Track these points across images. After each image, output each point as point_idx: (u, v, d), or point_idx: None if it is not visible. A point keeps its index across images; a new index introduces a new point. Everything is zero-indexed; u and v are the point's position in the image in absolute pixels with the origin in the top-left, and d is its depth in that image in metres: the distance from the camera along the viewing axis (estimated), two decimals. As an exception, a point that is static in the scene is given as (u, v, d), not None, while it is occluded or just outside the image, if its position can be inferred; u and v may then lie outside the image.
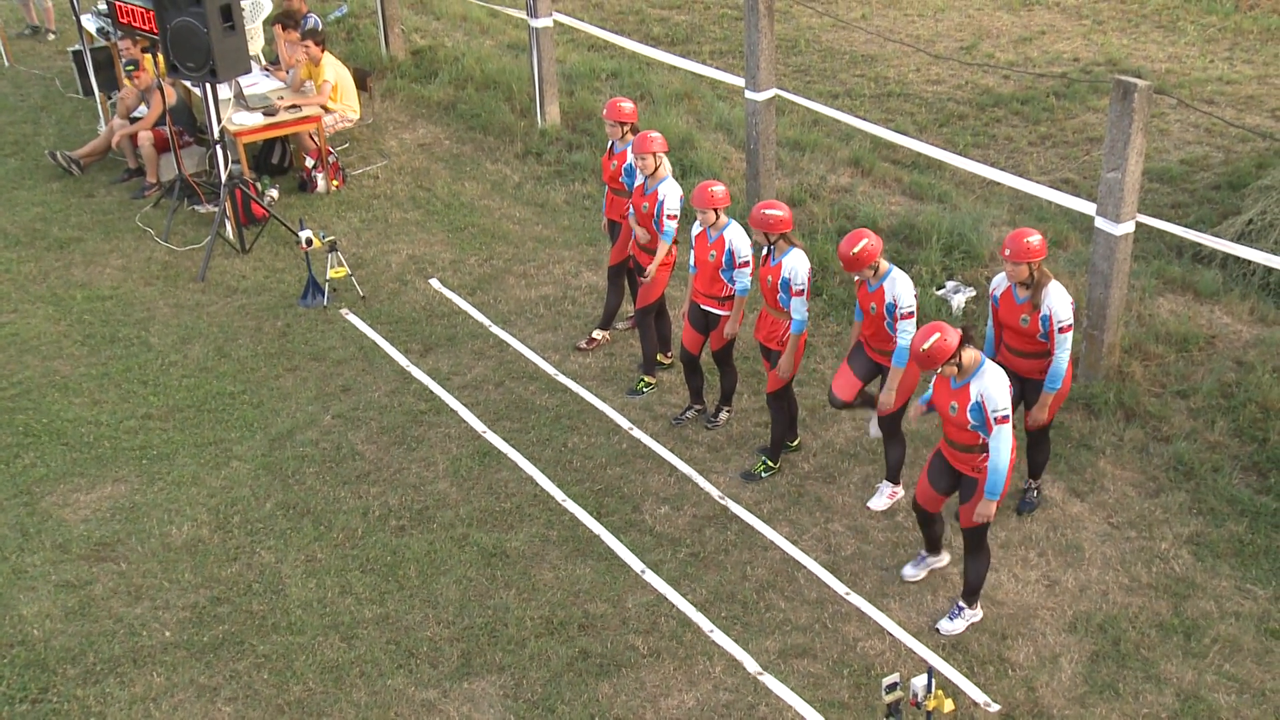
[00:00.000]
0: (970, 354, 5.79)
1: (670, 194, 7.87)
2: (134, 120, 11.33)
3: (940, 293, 8.88)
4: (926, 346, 5.75)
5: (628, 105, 8.35)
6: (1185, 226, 8.18)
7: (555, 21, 11.76)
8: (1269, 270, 8.58)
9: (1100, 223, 7.43)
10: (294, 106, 10.97)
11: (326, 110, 11.24)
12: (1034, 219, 9.81)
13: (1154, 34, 14.20)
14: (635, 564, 6.76)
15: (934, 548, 6.56)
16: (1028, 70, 13.14)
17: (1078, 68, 13.22)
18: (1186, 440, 7.35)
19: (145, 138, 11.06)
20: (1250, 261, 8.28)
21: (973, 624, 6.24)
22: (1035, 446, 6.92)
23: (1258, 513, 6.83)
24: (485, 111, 12.44)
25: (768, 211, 6.89)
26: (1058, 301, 6.39)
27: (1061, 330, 6.42)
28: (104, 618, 6.51)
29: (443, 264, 9.93)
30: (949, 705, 5.18)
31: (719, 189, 7.25)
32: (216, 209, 10.35)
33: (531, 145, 11.80)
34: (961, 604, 6.26)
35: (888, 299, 6.62)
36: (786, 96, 9.82)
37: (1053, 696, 5.83)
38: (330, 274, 9.34)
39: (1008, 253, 6.39)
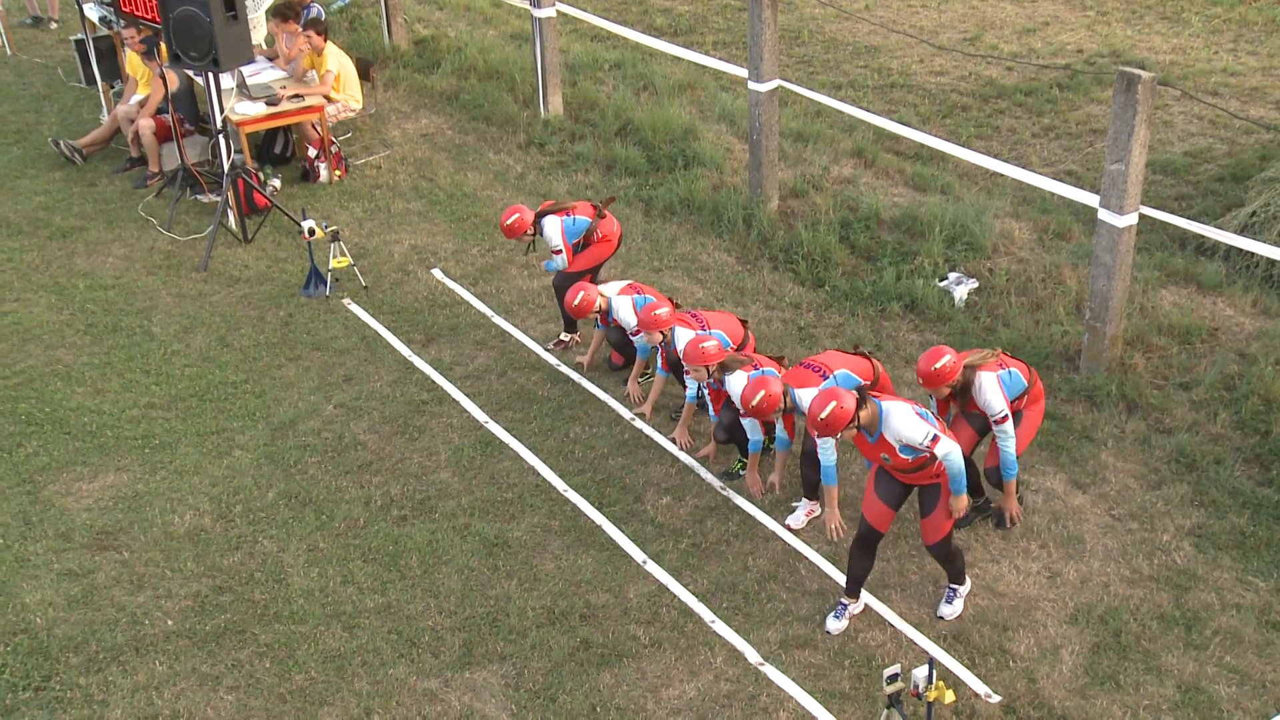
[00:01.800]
0: (867, 411, 5.76)
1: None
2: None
3: (942, 284, 8.88)
4: (824, 415, 5.72)
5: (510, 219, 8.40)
6: (1188, 219, 8.17)
7: (558, 12, 11.75)
8: (1272, 262, 8.57)
9: (1103, 214, 7.42)
10: (296, 96, 10.96)
11: (329, 100, 11.23)
12: (1037, 210, 9.80)
13: (1158, 25, 14.17)
14: (637, 554, 6.77)
15: (855, 591, 6.22)
16: (1031, 62, 13.12)
17: (1081, 59, 13.19)
18: (1188, 432, 7.35)
19: (145, 126, 11.05)
20: (1253, 254, 8.28)
21: (965, 597, 6.31)
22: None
23: (1259, 505, 6.83)
24: (488, 102, 12.42)
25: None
26: (990, 398, 6.27)
27: (997, 422, 6.32)
28: (106, 606, 6.52)
29: (445, 254, 9.93)
30: (950, 696, 5.19)
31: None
32: (219, 198, 10.35)
33: (534, 136, 11.79)
34: (952, 586, 6.26)
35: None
36: (789, 87, 9.81)
37: (1053, 688, 5.84)
38: (333, 264, 9.34)
39: (920, 381, 6.31)
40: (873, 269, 9.21)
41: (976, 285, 8.85)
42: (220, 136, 10.05)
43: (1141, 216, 7.47)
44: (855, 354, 6.86)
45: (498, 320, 8.99)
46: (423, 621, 6.38)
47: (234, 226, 10.24)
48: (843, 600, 6.26)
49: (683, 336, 7.33)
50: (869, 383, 6.73)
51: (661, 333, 7.44)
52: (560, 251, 8.46)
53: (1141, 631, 6.13)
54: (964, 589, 6.29)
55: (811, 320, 8.79)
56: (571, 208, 8.52)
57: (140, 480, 7.47)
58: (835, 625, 6.21)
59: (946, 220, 9.37)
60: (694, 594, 6.49)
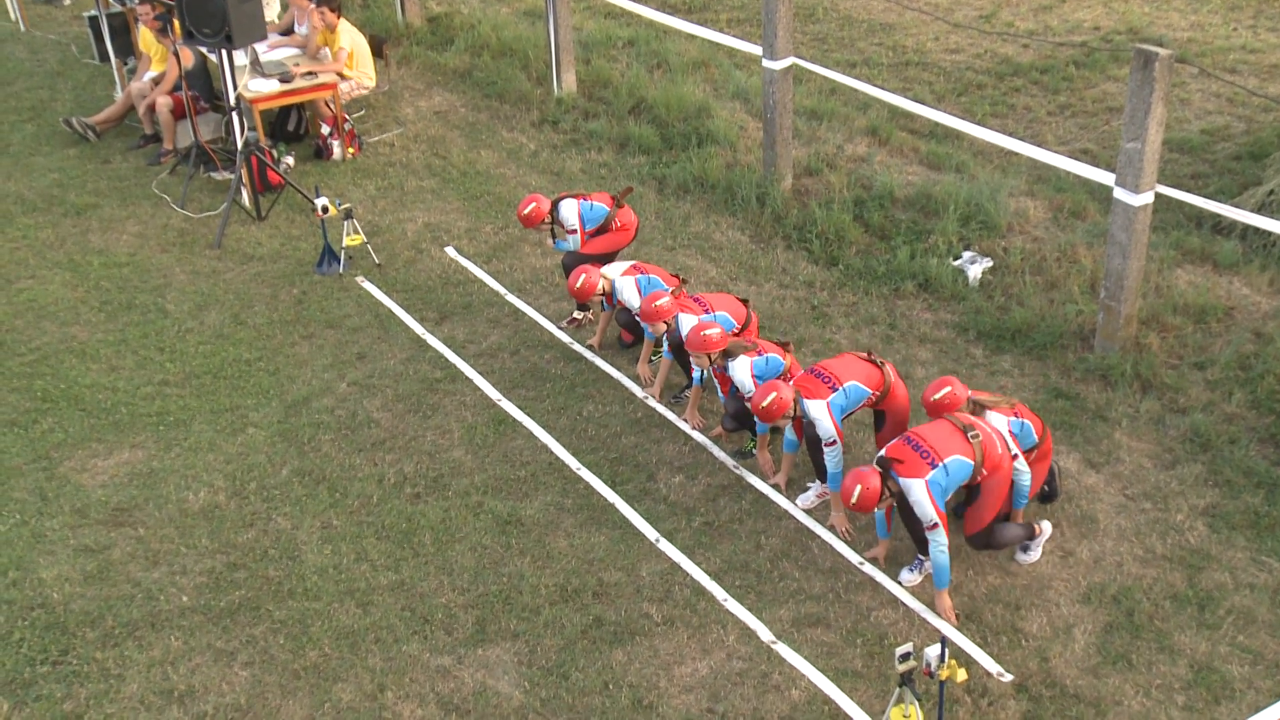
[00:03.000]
0: (891, 485, 5.95)
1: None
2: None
3: (957, 263, 8.84)
4: (855, 500, 5.86)
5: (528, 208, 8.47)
6: (1205, 197, 8.12)
7: (571, -12, 11.69)
8: (1289, 242, 8.52)
9: (1119, 193, 7.38)
10: (310, 73, 10.95)
11: (342, 77, 11.21)
12: (1052, 189, 9.75)
13: (1176, 2, 14.04)
14: (649, 533, 6.78)
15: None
16: (1047, 39, 13.03)
17: (1098, 36, 13.09)
18: (1203, 412, 7.32)
19: (163, 103, 11.05)
20: (1270, 233, 8.22)
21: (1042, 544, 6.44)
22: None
23: (1274, 484, 6.81)
24: (501, 79, 12.39)
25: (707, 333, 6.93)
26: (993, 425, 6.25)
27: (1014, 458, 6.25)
28: (122, 582, 6.56)
29: (458, 232, 9.93)
30: (962, 675, 5.20)
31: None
32: (233, 176, 10.35)
33: (548, 113, 11.76)
34: (1026, 542, 6.42)
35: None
36: (804, 65, 9.76)
37: (1066, 667, 5.84)
38: (346, 241, 9.35)
39: (926, 409, 6.42)
40: (887, 248, 9.18)
41: (991, 264, 8.82)
42: (233, 114, 10.05)
43: (1157, 195, 7.42)
44: (868, 360, 6.78)
45: (511, 298, 8.99)
46: (436, 599, 6.40)
47: (247, 204, 10.25)
48: (920, 555, 6.42)
49: (686, 323, 7.32)
50: (879, 393, 6.70)
51: (665, 321, 7.43)
52: (574, 232, 8.46)
53: (1154, 611, 6.12)
54: (1040, 539, 6.42)
55: (825, 299, 8.77)
56: (589, 195, 8.55)
57: (155, 457, 7.50)
58: (909, 577, 6.38)
59: (961, 199, 9.32)
60: (706, 572, 6.50)
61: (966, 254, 8.94)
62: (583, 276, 7.84)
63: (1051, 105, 11.64)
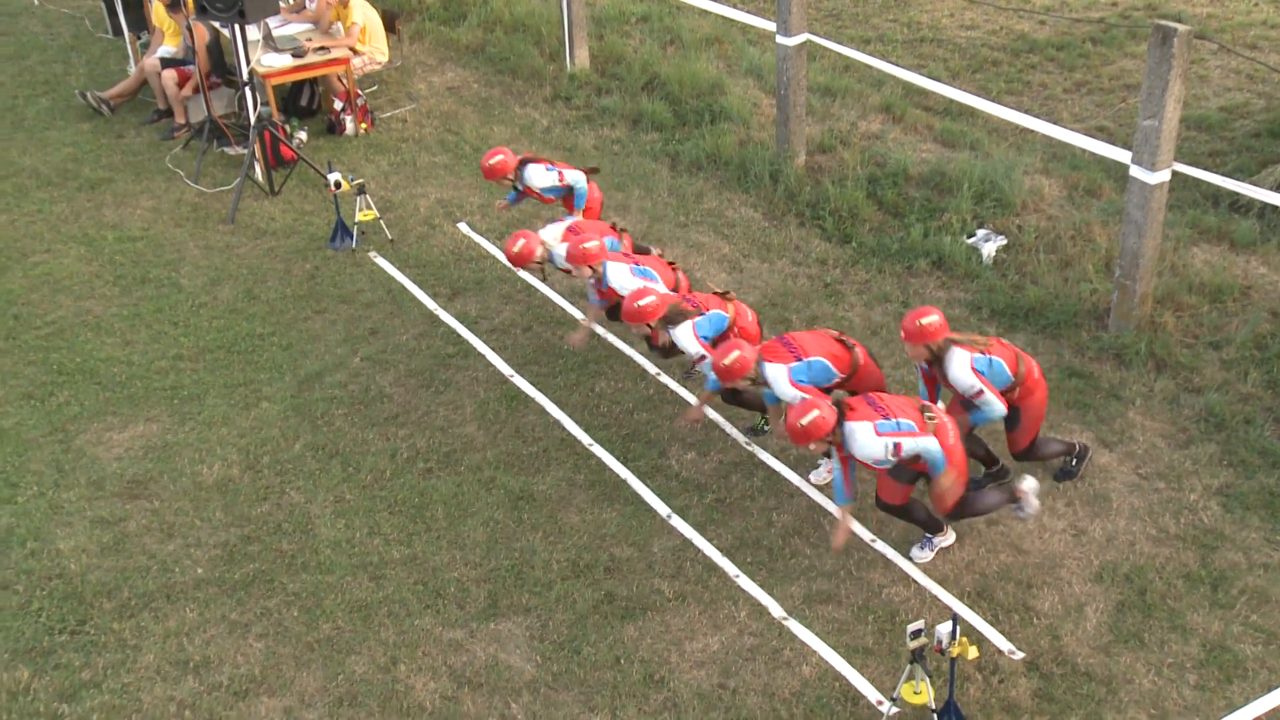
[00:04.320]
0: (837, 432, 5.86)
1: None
2: (174, 62, 11.28)
3: (970, 241, 8.81)
4: (804, 422, 5.74)
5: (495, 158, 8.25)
6: (1223, 175, 8.07)
7: (585, -37, 11.64)
8: (1307, 221, 8.46)
9: (1135, 171, 7.33)
10: (322, 48, 10.93)
11: (355, 53, 11.19)
12: (1067, 167, 9.70)
13: (1195, -21, 13.93)
14: (661, 509, 6.79)
15: (933, 528, 6.40)
16: (1064, 15, 12.94)
17: (1116, 13, 13.00)
18: (1218, 392, 7.29)
19: (170, 78, 11.05)
20: (1288, 212, 8.17)
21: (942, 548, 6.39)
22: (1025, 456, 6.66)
23: (1288, 465, 6.80)
24: (514, 55, 12.35)
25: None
26: (957, 374, 6.15)
27: (974, 397, 6.19)
28: (138, 554, 6.60)
29: (471, 208, 9.92)
30: (973, 652, 5.21)
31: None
32: (245, 151, 10.35)
33: (560, 89, 11.73)
34: (927, 536, 6.41)
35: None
36: (818, 41, 9.71)
37: (1077, 645, 5.84)
38: (359, 217, 9.35)
39: (902, 334, 6.21)
40: (900, 225, 9.15)
41: (1005, 242, 8.78)
42: (246, 89, 10.04)
43: (1174, 173, 7.38)
44: (838, 341, 6.57)
45: (523, 274, 8.99)
46: (448, 573, 6.43)
47: (260, 179, 10.25)
48: (927, 534, 6.41)
49: (615, 272, 7.25)
50: (845, 375, 6.51)
51: (591, 268, 7.32)
52: (563, 177, 8.29)
53: (1167, 590, 6.12)
54: (939, 537, 6.38)
55: (838, 276, 8.75)
56: (558, 164, 8.41)
57: (169, 430, 7.53)
58: (920, 555, 6.38)
59: (975, 177, 9.28)
60: (718, 548, 6.51)
61: (980, 232, 8.91)
62: (521, 241, 7.57)
63: (1068, 82, 11.56)
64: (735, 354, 6.29)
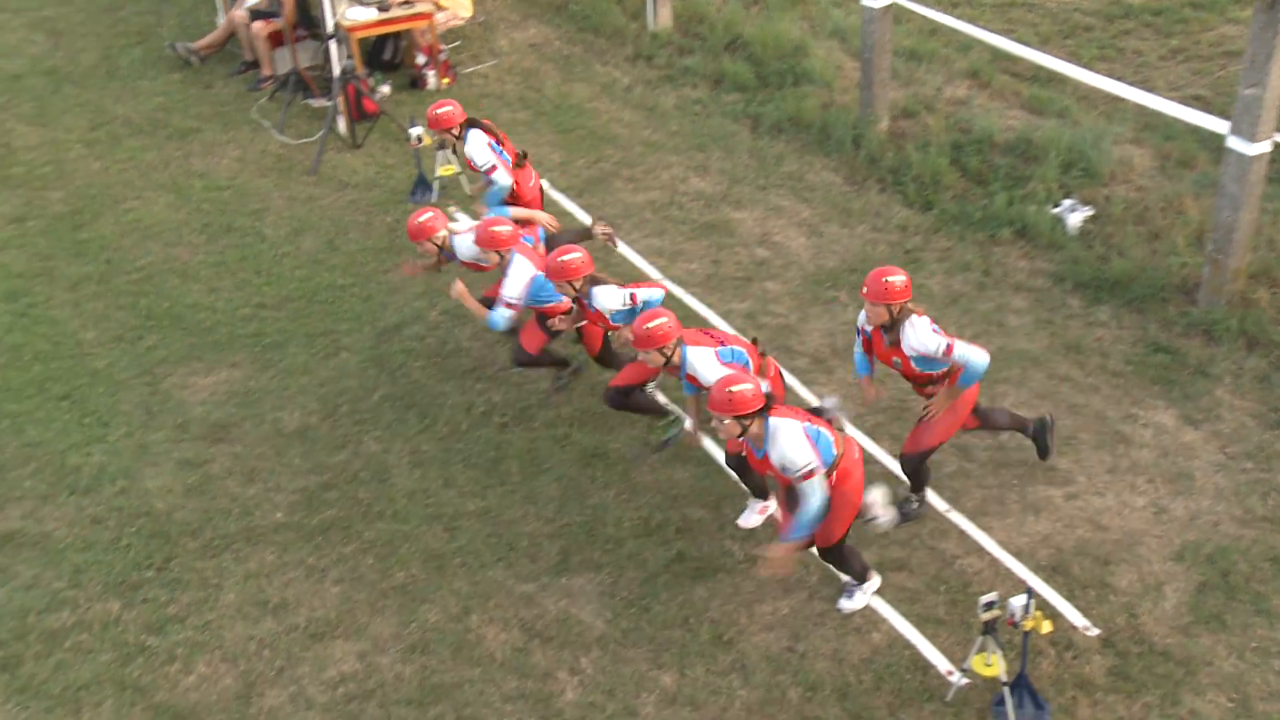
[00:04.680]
0: (756, 426, 5.32)
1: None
2: (262, 14, 11.39)
3: (1056, 211, 8.65)
4: (732, 390, 5.29)
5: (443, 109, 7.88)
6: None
7: (671, -80, 11.53)
8: None
9: (1233, 142, 7.14)
10: (406, 3, 10.96)
11: (438, 7, 11.21)
12: (1160, 137, 9.46)
13: (1300, -54, 13.48)
14: (733, 472, 6.79)
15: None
16: (1161, -19, 12.58)
17: (1215, -20, 12.61)
18: (1310, 372, 7.12)
19: (259, 29, 11.16)
20: (1391, 189, 7.91)
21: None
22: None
23: (1381, 449, 6.62)
24: (596, 13, 12.29)
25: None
26: (919, 339, 5.76)
27: (945, 353, 5.76)
28: (221, 496, 6.75)
29: (550, 165, 9.92)
30: (1047, 626, 5.16)
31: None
32: (329, 104, 10.44)
33: (642, 49, 11.65)
34: (852, 584, 5.96)
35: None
36: (904, 4, 9.55)
37: (1155, 624, 5.76)
38: (439, 171, 9.40)
39: (865, 290, 5.81)
40: (983, 193, 9.00)
41: (1092, 213, 8.61)
42: (331, 42, 10.11)
43: (1275, 145, 7.17)
44: (753, 346, 6.18)
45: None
46: (521, 527, 6.49)
47: (344, 132, 10.34)
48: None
49: (520, 266, 6.87)
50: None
51: (499, 253, 6.94)
52: (495, 168, 7.80)
53: (1252, 573, 6.00)
54: (867, 586, 5.95)
55: (918, 244, 8.64)
56: (502, 136, 7.96)
57: (252, 377, 7.67)
58: (847, 604, 5.94)
59: (1063, 145, 9.09)
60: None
61: (1066, 202, 8.74)
62: (427, 215, 7.24)
63: (1163, 49, 11.25)
64: (661, 321, 5.83)
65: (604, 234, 7.63)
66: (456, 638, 5.88)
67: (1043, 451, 6.62)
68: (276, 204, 9.55)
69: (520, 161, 8.02)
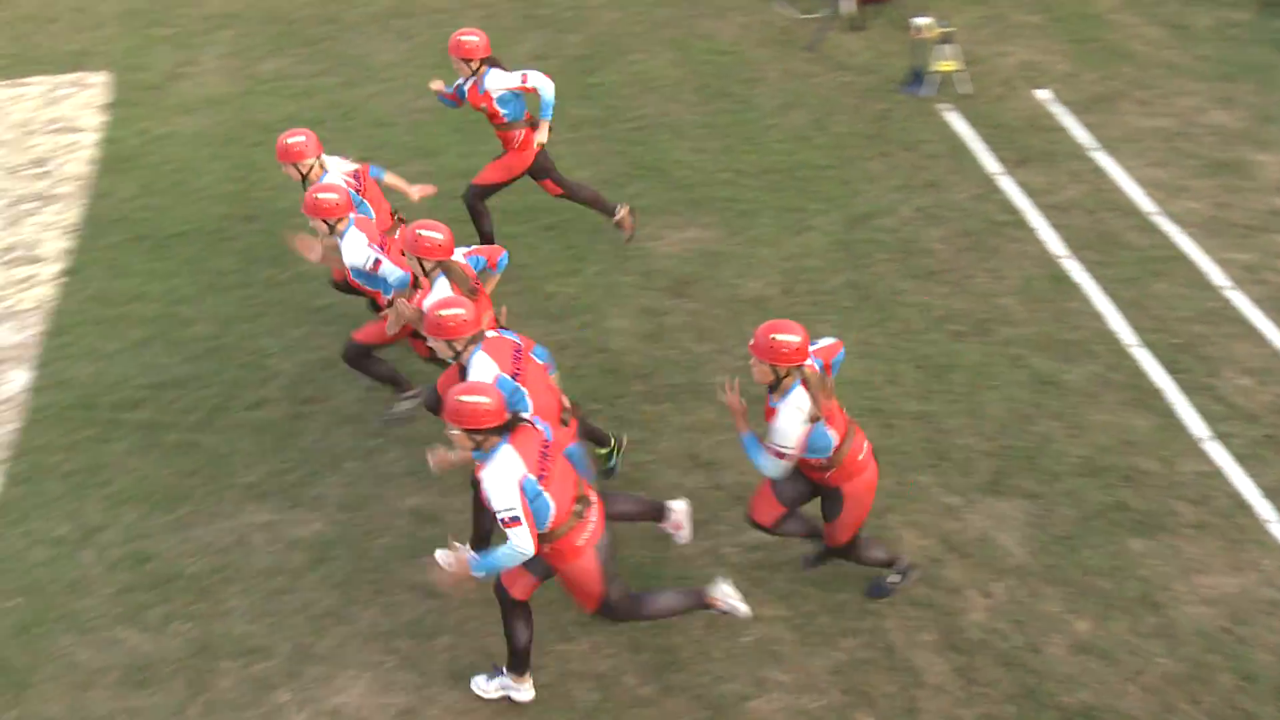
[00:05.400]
0: (480, 440, 4.60)
1: None
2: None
3: None
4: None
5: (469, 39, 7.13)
6: None
7: None
8: None
9: None
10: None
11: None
12: None
13: None
14: (1199, 430, 6.28)
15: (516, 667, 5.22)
16: None
17: None
18: None
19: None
20: None
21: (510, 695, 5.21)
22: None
23: None
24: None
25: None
26: (782, 421, 4.86)
27: (774, 453, 4.91)
28: (673, 348, 7.06)
29: (1056, 75, 9.38)
30: None
31: None
32: (840, -18, 10.36)
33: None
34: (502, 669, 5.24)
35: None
36: None
37: None
38: (938, 65, 9.12)
39: (752, 343, 4.90)
40: None
41: None
42: (855, -82, 9.97)
43: None
44: (557, 392, 5.41)
45: (1097, 155, 8.43)
46: (958, 439, 6.35)
47: (850, 11, 10.24)
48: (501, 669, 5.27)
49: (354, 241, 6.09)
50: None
51: (326, 221, 6.14)
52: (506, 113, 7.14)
53: None
54: (516, 682, 5.19)
55: None
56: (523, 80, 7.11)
57: (720, 240, 7.90)
58: (483, 685, 5.25)
59: None
60: (1259, 487, 5.94)
61: None
62: (300, 137, 6.49)
63: None
64: (458, 311, 5.11)
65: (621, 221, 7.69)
66: (873, 530, 5.88)
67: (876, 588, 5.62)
68: (771, 76, 9.66)
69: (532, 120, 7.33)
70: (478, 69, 7.14)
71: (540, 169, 7.44)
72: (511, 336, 5.32)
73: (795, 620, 5.51)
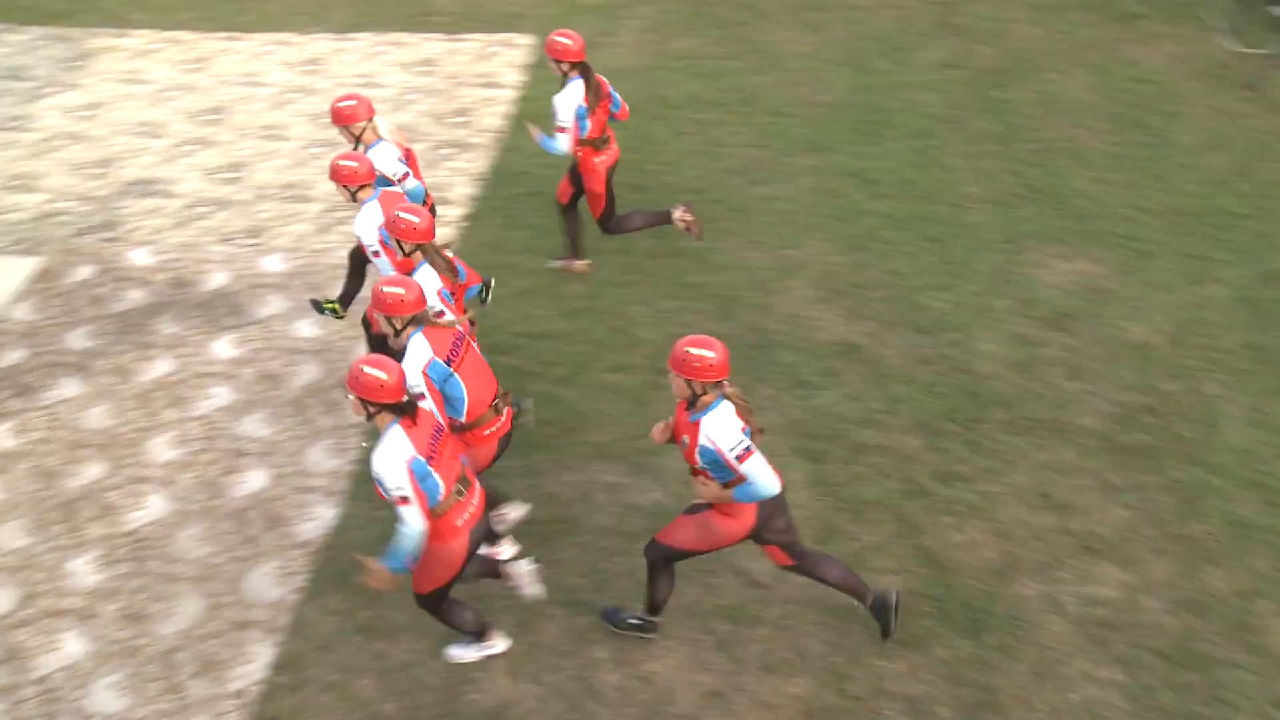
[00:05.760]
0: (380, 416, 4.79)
1: None
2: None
3: None
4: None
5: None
6: None
7: None
8: None
9: None
10: None
11: None
12: None
13: None
14: None
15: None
16: None
17: None
18: None
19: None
20: None
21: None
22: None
23: None
24: None
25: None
26: (716, 431, 4.74)
27: (740, 459, 4.73)
28: (1041, 381, 6.74)
29: None
30: None
31: None
32: (1293, 18, 9.52)
33: None
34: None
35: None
36: None
37: None
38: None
39: (670, 358, 4.81)
40: None
41: None
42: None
43: None
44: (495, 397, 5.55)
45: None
46: (1351, 534, 5.72)
47: (1298, 52, 9.40)
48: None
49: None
50: (467, 422, 5.42)
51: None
52: (564, 130, 7.01)
53: None
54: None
55: None
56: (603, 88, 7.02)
57: (1110, 278, 7.46)
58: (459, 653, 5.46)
59: None
60: None
61: None
62: (351, 103, 6.45)
63: None
64: (403, 291, 5.23)
65: (683, 221, 7.34)
66: (1236, 616, 5.40)
67: (884, 630, 5.38)
68: (1196, 111, 9.01)
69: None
70: (566, 72, 7.01)
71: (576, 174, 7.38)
72: (458, 327, 5.49)
73: (1132, 689, 5.15)
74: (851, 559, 5.74)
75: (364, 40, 10.78)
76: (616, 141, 7.36)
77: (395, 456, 4.72)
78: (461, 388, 5.35)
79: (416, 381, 5.16)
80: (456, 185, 8.71)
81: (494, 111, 9.62)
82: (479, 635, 5.41)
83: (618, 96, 7.24)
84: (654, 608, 5.39)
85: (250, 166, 8.83)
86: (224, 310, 7.53)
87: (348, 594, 5.67)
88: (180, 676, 5.37)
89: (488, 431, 5.51)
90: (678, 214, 7.41)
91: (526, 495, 6.20)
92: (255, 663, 5.42)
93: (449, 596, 5.21)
